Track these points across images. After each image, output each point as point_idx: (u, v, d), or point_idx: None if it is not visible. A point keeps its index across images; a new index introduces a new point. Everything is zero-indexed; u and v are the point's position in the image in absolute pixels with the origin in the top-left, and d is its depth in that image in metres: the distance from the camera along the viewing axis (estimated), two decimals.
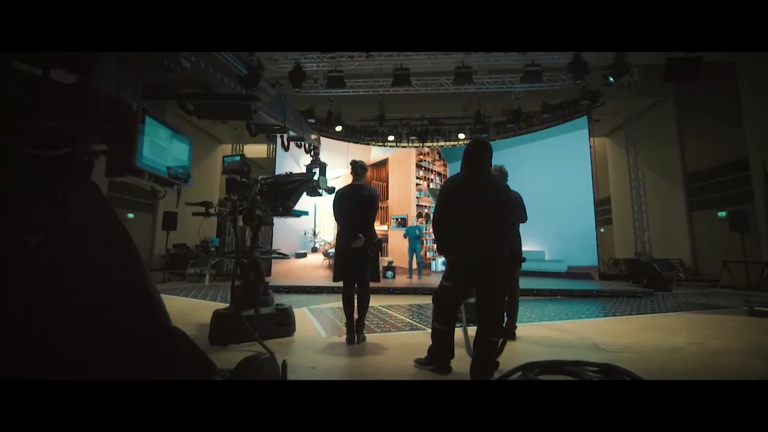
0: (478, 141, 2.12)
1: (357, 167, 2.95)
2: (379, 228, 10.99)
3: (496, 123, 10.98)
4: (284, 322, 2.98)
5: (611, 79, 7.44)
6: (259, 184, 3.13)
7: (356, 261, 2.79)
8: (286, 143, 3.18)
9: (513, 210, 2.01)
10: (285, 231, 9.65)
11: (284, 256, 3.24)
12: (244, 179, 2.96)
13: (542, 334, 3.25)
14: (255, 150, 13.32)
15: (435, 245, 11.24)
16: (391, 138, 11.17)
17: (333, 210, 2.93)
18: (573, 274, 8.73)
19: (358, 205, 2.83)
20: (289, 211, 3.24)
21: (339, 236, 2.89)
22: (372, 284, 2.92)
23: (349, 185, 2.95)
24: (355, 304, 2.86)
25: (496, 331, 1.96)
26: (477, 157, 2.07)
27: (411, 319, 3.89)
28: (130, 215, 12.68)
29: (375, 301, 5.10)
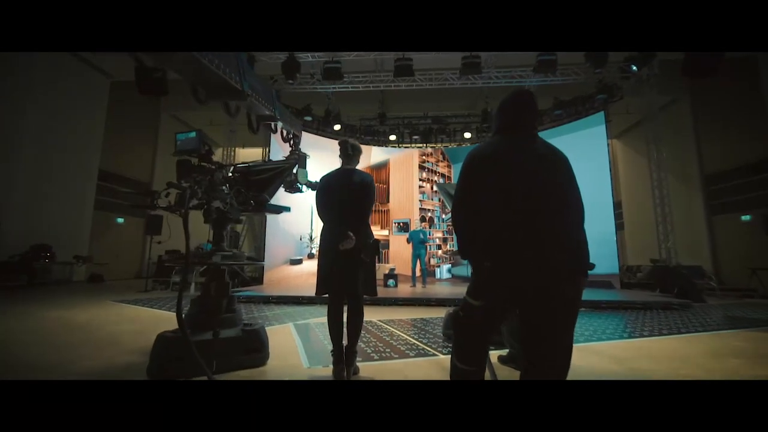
0: (519, 92, 1.45)
1: (347, 147, 2.28)
2: (379, 233, 10.30)
3: None
4: (253, 348, 2.30)
5: (634, 67, 6.77)
6: (225, 171, 2.48)
7: (346, 268, 2.11)
8: (254, 123, 2.54)
9: (578, 191, 1.34)
10: (279, 235, 8.99)
11: (255, 262, 2.57)
12: (203, 163, 2.31)
13: (582, 362, 2.56)
14: (250, 154, 12.74)
15: (439, 250, 10.58)
16: (392, 137, 10.54)
17: (316, 202, 2.26)
18: (591, 282, 7.95)
19: (349, 194, 2.16)
20: (264, 206, 2.58)
21: (323, 236, 2.22)
22: (366, 296, 2.24)
23: (336, 170, 2.29)
24: (345, 326, 2.17)
25: (553, 374, 1.27)
26: (519, 114, 1.41)
27: (417, 340, 3.20)
28: (120, 220, 12.10)
29: (374, 315, 4.41)
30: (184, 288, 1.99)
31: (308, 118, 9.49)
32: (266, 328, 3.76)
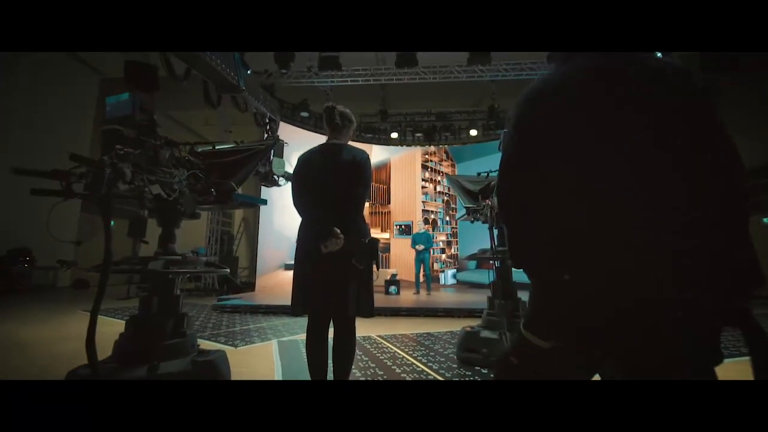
0: None
1: (334, 115, 1.70)
2: (380, 236, 9.71)
3: None
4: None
5: (659, 54, 6.21)
6: (178, 150, 1.92)
7: (331, 279, 1.52)
8: (213, 95, 1.98)
9: (735, 148, 0.76)
10: (273, 237, 8.42)
11: (216, 270, 1.99)
12: (142, 137, 1.73)
13: None
14: None
15: (443, 254, 10.02)
16: (394, 135, 9.98)
17: (291, 188, 1.68)
18: None
19: (336, 176, 1.58)
20: (230, 196, 2.00)
21: (301, 235, 1.63)
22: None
23: (320, 145, 1.71)
24: (330, 358, 1.58)
25: None
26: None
27: (425, 365, 2.60)
28: (111, 222, 11.57)
29: (372, 328, 3.81)
30: (98, 305, 1.43)
31: (305, 114, 8.97)
32: (245, 347, 3.20)
